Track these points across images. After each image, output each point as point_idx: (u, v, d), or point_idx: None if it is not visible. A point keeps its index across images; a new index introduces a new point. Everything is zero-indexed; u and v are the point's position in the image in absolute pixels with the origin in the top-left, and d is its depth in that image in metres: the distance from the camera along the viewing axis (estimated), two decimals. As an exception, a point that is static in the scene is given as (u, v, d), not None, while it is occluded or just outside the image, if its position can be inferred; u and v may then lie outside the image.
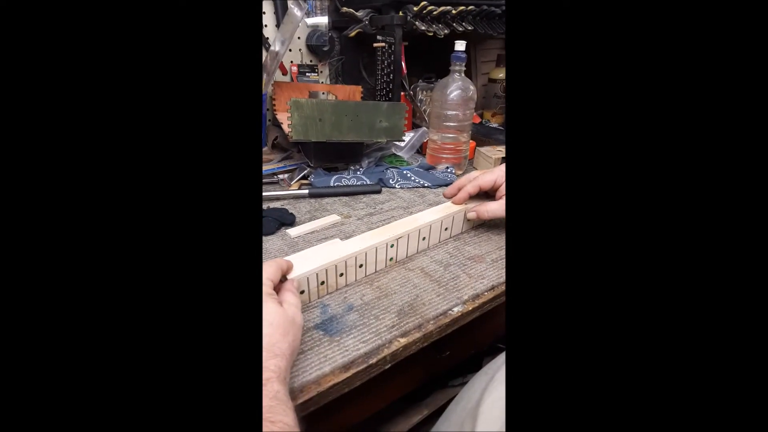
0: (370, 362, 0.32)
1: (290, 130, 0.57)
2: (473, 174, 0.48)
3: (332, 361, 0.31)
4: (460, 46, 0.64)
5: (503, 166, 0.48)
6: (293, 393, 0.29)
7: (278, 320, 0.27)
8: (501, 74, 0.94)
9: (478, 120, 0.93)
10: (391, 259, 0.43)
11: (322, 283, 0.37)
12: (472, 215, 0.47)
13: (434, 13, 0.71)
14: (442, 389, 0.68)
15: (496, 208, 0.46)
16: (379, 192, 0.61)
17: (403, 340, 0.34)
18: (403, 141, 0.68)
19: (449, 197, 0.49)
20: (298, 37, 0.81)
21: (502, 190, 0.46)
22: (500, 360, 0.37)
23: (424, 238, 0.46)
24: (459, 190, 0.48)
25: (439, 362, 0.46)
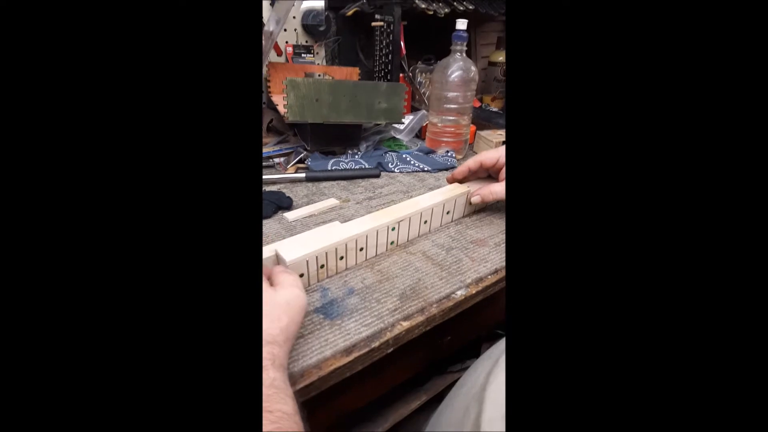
0: (372, 346, 0.31)
1: (286, 111, 0.55)
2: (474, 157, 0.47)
3: (333, 344, 0.30)
4: (461, 24, 0.62)
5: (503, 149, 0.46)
6: (293, 378, 0.28)
7: (266, 306, 0.26)
8: (501, 57, 0.92)
9: (477, 104, 0.92)
10: (392, 242, 0.42)
11: (322, 266, 0.36)
12: (476, 199, 0.46)
13: (435, -10, 0.69)
14: (441, 375, 0.68)
15: (500, 189, 0.44)
16: (377, 176, 0.60)
17: (405, 324, 0.33)
18: (403, 124, 0.67)
19: (452, 181, 0.48)
20: (293, 17, 0.78)
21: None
22: (503, 344, 0.36)
23: (425, 222, 0.45)
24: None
25: (440, 347, 0.46)
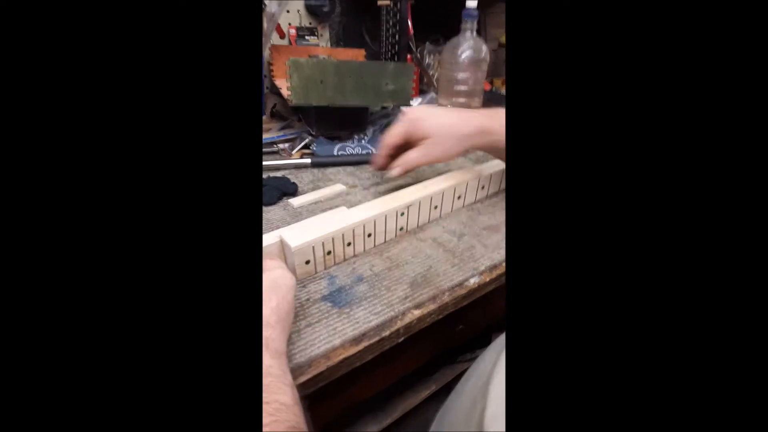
0: (383, 335, 0.29)
1: (290, 93, 0.53)
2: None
3: (342, 333, 0.29)
4: (471, 2, 0.59)
5: (408, 113, 0.40)
6: (300, 368, 0.26)
7: None
8: (512, 38, 0.89)
9: (488, 87, 0.88)
10: (401, 228, 0.40)
11: (329, 252, 0.35)
12: (395, 171, 0.41)
13: (444, -35, 0.65)
14: (450, 364, 0.67)
15: (416, 156, 0.40)
16: (385, 161, 0.58)
17: (417, 312, 0.31)
18: (411, 107, 0.64)
19: (377, 168, 0.44)
20: (296, -3, 0.76)
21: (420, 133, 0.39)
22: None
23: (435, 207, 0.43)
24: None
25: (452, 336, 0.44)
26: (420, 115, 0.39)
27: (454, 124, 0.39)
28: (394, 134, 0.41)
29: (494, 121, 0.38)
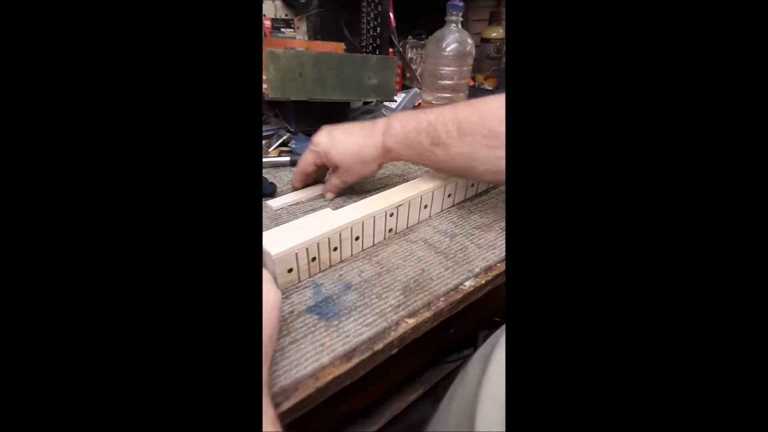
0: (375, 348, 0.27)
1: (266, 86, 0.49)
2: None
3: (331, 349, 0.26)
4: (456, -7, 0.57)
5: (315, 143, 0.42)
6: (286, 392, 0.23)
7: None
8: (494, 33, 0.88)
9: (471, 83, 0.87)
10: (390, 230, 0.38)
11: (314, 259, 0.32)
12: (329, 195, 0.45)
13: (426, -45, 0.63)
14: (437, 366, 0.66)
15: (337, 182, 0.43)
16: (369, 159, 0.55)
17: (411, 321, 0.29)
18: (395, 102, 0.62)
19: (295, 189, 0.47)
20: (271, -14, 0.72)
21: (330, 163, 0.42)
22: (492, 342, 0.33)
23: (425, 206, 0.41)
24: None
25: (442, 340, 0.42)
26: (325, 148, 0.41)
27: (357, 151, 0.41)
28: (306, 163, 0.44)
29: (390, 138, 0.40)
